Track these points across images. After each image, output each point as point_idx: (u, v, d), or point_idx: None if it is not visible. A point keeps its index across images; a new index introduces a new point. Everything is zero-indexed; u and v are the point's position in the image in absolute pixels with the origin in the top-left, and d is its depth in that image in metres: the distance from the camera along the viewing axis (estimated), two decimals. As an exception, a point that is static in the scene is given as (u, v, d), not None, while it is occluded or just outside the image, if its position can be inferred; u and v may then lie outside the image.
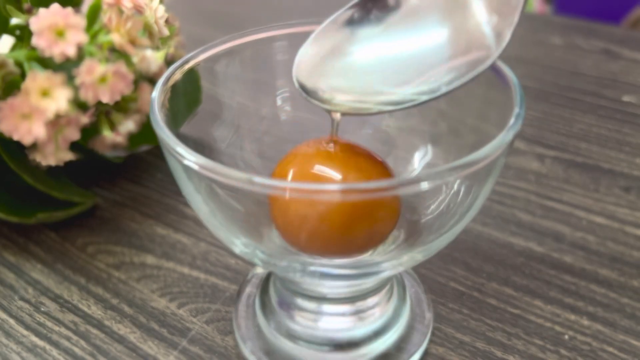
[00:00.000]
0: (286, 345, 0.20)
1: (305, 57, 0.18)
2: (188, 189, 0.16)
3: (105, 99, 0.24)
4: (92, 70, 0.24)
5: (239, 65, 0.20)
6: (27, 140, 0.24)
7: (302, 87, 0.18)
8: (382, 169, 0.18)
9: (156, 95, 0.17)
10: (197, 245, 0.26)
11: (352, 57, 0.18)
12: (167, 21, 0.27)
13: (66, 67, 0.24)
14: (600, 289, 0.23)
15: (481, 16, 0.17)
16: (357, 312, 0.20)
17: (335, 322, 0.21)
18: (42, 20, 0.23)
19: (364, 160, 0.18)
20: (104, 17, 0.24)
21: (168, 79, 0.18)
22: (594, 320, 0.22)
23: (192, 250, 0.26)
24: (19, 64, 0.24)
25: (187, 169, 0.14)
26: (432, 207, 0.17)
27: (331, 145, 0.18)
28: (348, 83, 0.18)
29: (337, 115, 0.18)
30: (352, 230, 0.17)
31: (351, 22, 0.18)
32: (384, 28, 0.18)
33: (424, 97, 0.17)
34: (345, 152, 0.18)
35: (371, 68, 0.18)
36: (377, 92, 0.18)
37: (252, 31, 0.20)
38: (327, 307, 0.21)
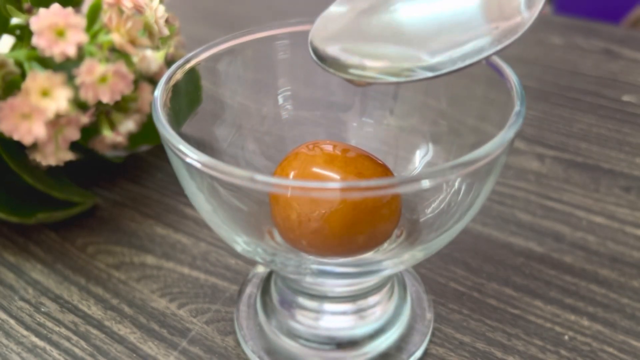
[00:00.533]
0: (287, 344, 0.20)
1: (332, 18, 0.17)
2: (190, 187, 0.16)
3: (106, 98, 0.24)
4: (92, 70, 0.24)
5: (240, 65, 0.20)
6: (27, 140, 0.24)
7: (318, 54, 0.17)
8: (383, 171, 0.18)
9: (158, 94, 0.17)
10: (197, 246, 0.26)
11: (383, 20, 0.17)
12: (167, 21, 0.27)
13: (66, 67, 0.24)
14: (601, 290, 0.23)
15: None
16: (358, 311, 0.20)
17: (336, 320, 0.21)
18: (42, 20, 0.23)
19: (365, 162, 0.18)
20: (104, 17, 0.24)
21: (170, 78, 0.18)
22: (594, 320, 0.22)
23: (192, 251, 0.26)
24: (19, 64, 0.24)
25: (189, 167, 0.14)
26: (433, 205, 0.17)
27: (331, 147, 0.18)
28: (379, 48, 0.16)
29: (363, 84, 0.17)
30: (354, 230, 0.17)
31: None
32: None
33: (462, 63, 0.16)
34: (345, 153, 0.18)
35: (403, 33, 0.17)
36: (408, 59, 0.17)
37: (252, 30, 0.20)
38: (328, 306, 0.21)
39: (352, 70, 0.17)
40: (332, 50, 0.17)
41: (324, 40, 0.17)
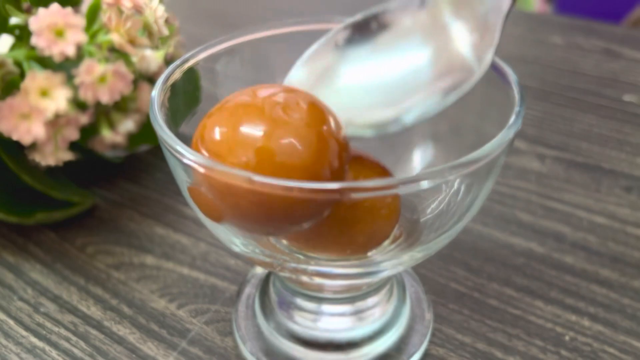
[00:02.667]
0: (286, 345, 0.20)
1: (294, 82, 0.18)
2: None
3: (105, 98, 0.24)
4: (92, 70, 0.24)
5: (239, 65, 0.20)
6: (26, 140, 0.24)
7: None
8: (382, 171, 0.18)
9: (156, 94, 0.17)
10: (196, 246, 0.26)
11: (341, 78, 0.18)
12: (166, 21, 0.27)
13: (65, 67, 0.24)
14: (601, 290, 0.23)
15: (462, 38, 0.17)
16: (356, 312, 0.20)
17: (335, 322, 0.20)
18: (41, 19, 0.23)
19: (363, 162, 0.18)
20: (104, 17, 0.24)
21: (168, 78, 0.18)
22: (595, 321, 0.22)
23: (191, 251, 0.26)
24: (18, 64, 0.24)
25: (186, 167, 0.14)
26: (433, 206, 0.17)
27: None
28: (338, 104, 0.17)
29: None
30: (352, 230, 0.17)
31: (342, 43, 0.18)
32: (374, 49, 0.18)
33: (409, 121, 0.17)
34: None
35: (358, 90, 0.18)
36: (366, 114, 0.17)
37: (251, 30, 0.20)
38: (326, 307, 0.20)
39: None
40: None
41: None
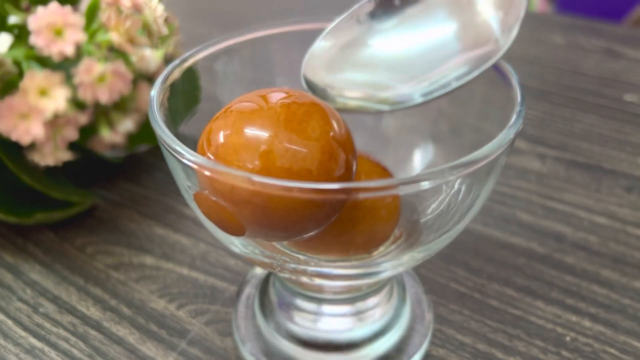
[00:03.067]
0: (286, 346, 0.20)
1: (317, 52, 0.18)
2: (187, 188, 0.16)
3: (104, 98, 0.24)
4: (91, 70, 0.24)
5: (238, 64, 0.20)
6: (25, 140, 0.23)
7: (310, 85, 0.18)
8: (382, 172, 0.18)
9: (155, 93, 0.17)
10: (196, 246, 0.26)
11: (364, 52, 0.18)
12: (165, 20, 0.27)
13: (64, 66, 0.24)
14: (602, 290, 0.23)
15: (489, 11, 0.17)
16: (357, 313, 0.20)
17: (335, 323, 0.20)
18: (40, 18, 0.22)
19: (363, 163, 0.18)
20: (103, 16, 0.24)
21: (167, 77, 0.17)
22: (596, 321, 0.22)
23: (191, 251, 0.26)
24: (17, 63, 0.24)
25: (186, 168, 0.14)
26: (433, 206, 0.17)
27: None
28: (360, 77, 0.17)
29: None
30: (352, 231, 0.17)
31: (366, 17, 0.18)
32: (398, 22, 0.18)
33: (436, 94, 0.17)
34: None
35: (383, 62, 0.18)
36: (388, 87, 0.17)
37: (251, 29, 0.20)
38: (326, 308, 0.20)
39: (338, 99, 0.18)
40: (321, 81, 0.18)
41: (314, 72, 0.18)
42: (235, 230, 0.15)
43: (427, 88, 0.17)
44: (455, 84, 0.17)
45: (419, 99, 0.17)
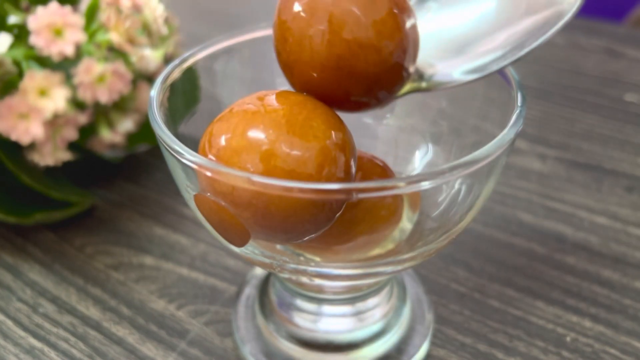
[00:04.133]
0: (286, 346, 0.20)
1: None
2: (186, 188, 0.16)
3: (104, 98, 0.24)
4: (90, 70, 0.24)
5: (238, 64, 0.20)
6: (24, 140, 0.23)
7: None
8: (383, 172, 0.18)
9: (155, 93, 0.16)
10: (196, 246, 0.26)
11: (427, 22, 0.17)
12: (165, 20, 0.27)
13: (64, 66, 0.24)
14: (603, 290, 0.23)
15: None
16: (357, 314, 0.20)
17: (335, 323, 0.20)
18: (40, 18, 0.22)
19: (364, 163, 0.18)
20: (103, 16, 0.24)
21: (166, 77, 0.17)
22: (596, 321, 0.22)
23: (191, 251, 0.26)
24: (16, 63, 0.24)
25: (185, 168, 0.14)
26: (433, 206, 0.17)
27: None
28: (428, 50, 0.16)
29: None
30: (353, 231, 0.17)
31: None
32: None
33: (505, 62, 0.16)
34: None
35: (431, 38, 0.17)
36: (458, 54, 0.17)
37: (251, 29, 0.20)
38: (327, 308, 0.20)
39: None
40: None
41: None
42: (236, 235, 0.15)
43: (482, 61, 0.16)
44: (527, 49, 0.16)
45: (490, 69, 0.16)
